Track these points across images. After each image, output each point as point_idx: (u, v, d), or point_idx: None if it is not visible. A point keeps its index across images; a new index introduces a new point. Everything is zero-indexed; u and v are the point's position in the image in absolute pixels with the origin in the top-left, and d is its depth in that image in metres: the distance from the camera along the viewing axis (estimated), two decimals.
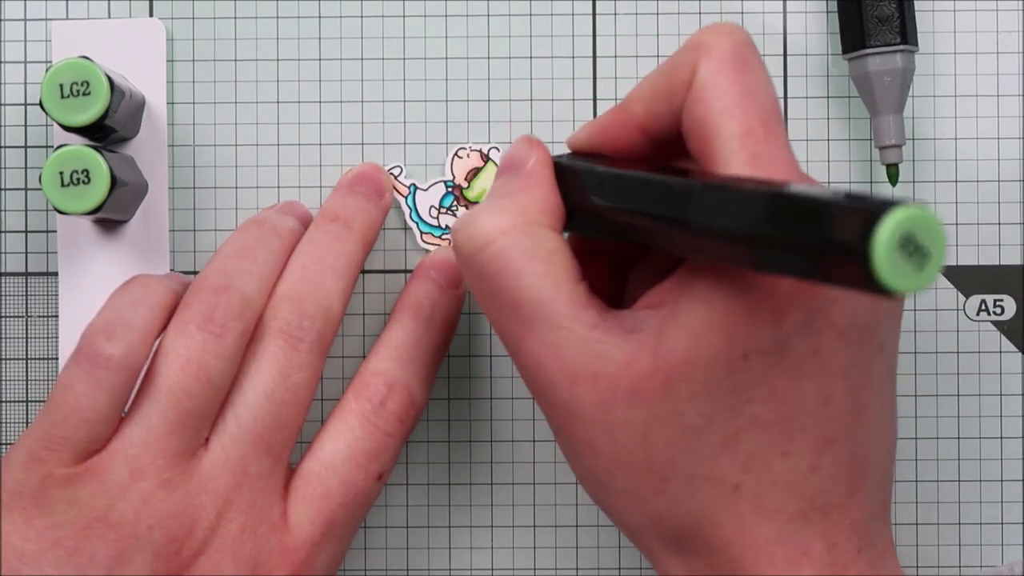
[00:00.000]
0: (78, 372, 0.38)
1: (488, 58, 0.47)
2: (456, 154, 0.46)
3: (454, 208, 0.46)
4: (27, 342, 0.47)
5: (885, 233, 0.29)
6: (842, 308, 0.35)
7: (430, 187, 0.46)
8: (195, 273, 0.47)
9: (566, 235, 0.39)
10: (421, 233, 0.46)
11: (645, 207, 0.36)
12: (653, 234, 0.36)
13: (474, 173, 0.46)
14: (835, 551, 0.36)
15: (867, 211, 0.29)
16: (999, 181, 0.47)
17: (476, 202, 0.46)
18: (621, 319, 0.36)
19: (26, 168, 0.47)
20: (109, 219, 0.46)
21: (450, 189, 0.46)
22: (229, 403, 0.40)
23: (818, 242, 0.30)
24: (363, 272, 0.47)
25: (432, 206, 0.46)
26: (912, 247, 0.29)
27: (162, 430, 0.39)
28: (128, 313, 0.40)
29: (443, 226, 0.46)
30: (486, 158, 0.46)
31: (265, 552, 0.40)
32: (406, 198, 0.46)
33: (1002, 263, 0.47)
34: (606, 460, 0.36)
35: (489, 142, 0.47)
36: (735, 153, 0.35)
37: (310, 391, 0.41)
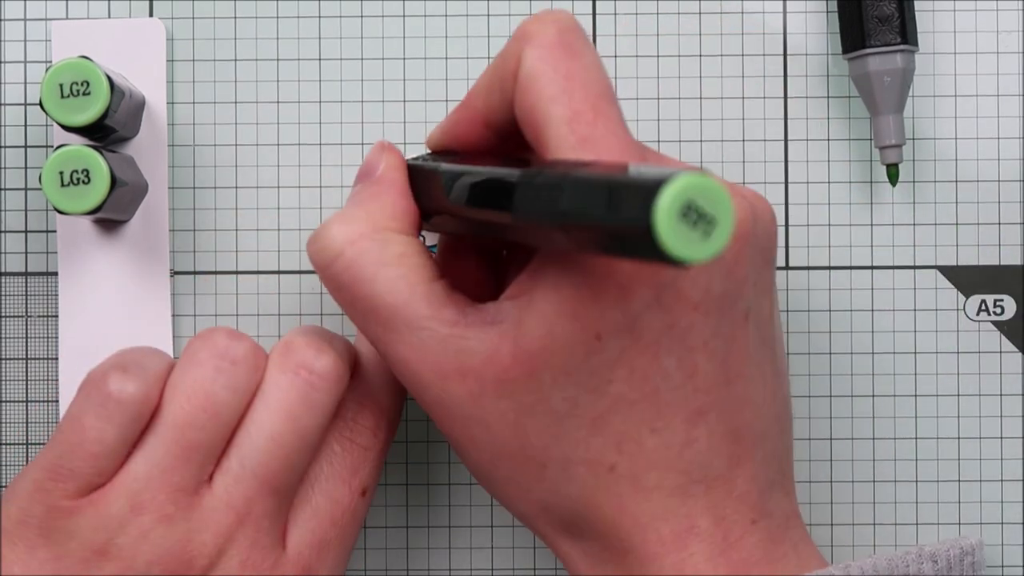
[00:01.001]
0: (88, 405, 0.38)
1: (488, 58, 0.47)
2: None
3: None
4: (27, 342, 0.47)
5: (664, 202, 0.29)
6: (692, 280, 0.35)
7: None
8: (195, 273, 0.47)
9: (430, 238, 0.39)
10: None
11: (480, 199, 0.36)
12: (497, 227, 0.37)
13: None
14: (724, 524, 0.37)
15: (647, 184, 0.29)
16: (999, 181, 0.47)
17: None
18: (482, 313, 0.37)
19: (26, 168, 0.47)
20: (109, 219, 0.46)
21: None
22: (235, 442, 0.39)
23: (612, 221, 0.31)
24: None
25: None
26: (696, 215, 0.29)
27: (165, 464, 0.38)
28: (142, 357, 0.40)
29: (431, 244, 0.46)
30: None
31: None
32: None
33: (1002, 263, 0.47)
34: (486, 452, 0.37)
35: None
36: (564, 138, 0.35)
37: (320, 434, 0.40)
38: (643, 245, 0.30)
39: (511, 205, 0.34)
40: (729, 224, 0.30)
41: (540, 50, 0.36)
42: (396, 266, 0.37)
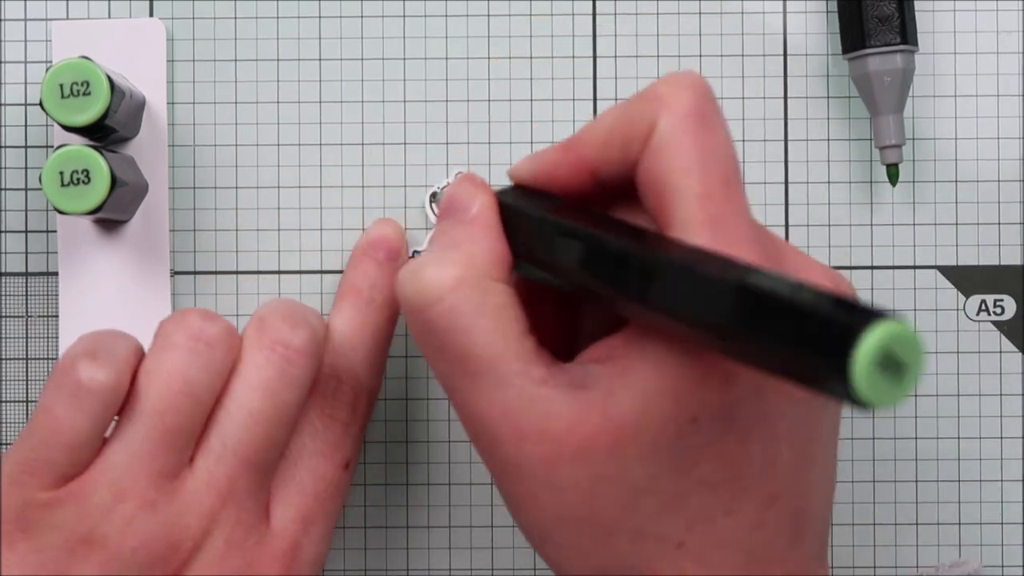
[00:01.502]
0: (59, 395, 0.38)
1: (488, 58, 0.47)
2: (431, 202, 0.46)
3: None
4: (27, 342, 0.47)
5: (866, 351, 0.28)
6: None
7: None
8: (195, 273, 0.47)
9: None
10: None
11: (598, 272, 0.35)
12: (605, 297, 0.35)
13: None
14: None
15: (848, 324, 0.28)
16: (999, 181, 0.47)
17: None
18: (570, 374, 0.36)
19: (26, 168, 0.47)
20: (109, 219, 0.46)
21: None
22: (215, 422, 0.39)
23: (792, 346, 0.30)
24: None
25: None
26: (891, 363, 0.28)
27: (145, 451, 0.38)
28: (110, 342, 0.39)
29: None
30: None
31: (253, 564, 0.39)
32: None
33: (1002, 263, 0.47)
34: (549, 514, 0.36)
35: (466, 163, 0.47)
36: (693, 215, 0.34)
37: (297, 410, 0.40)
38: (824, 379, 0.29)
39: (647, 289, 0.33)
40: (919, 369, 0.29)
41: (677, 119, 0.35)
42: (495, 318, 0.36)
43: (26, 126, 0.47)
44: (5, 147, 0.47)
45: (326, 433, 0.41)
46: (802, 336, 0.29)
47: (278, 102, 0.47)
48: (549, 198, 0.38)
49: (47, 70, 0.42)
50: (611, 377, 0.35)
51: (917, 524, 0.47)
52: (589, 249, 0.35)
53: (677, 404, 0.34)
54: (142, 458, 0.38)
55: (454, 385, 0.37)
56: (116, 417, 0.39)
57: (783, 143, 0.47)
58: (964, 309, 0.47)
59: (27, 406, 0.47)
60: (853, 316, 0.29)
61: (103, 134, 0.44)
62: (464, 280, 0.36)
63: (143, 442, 0.38)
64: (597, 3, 0.47)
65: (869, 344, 0.28)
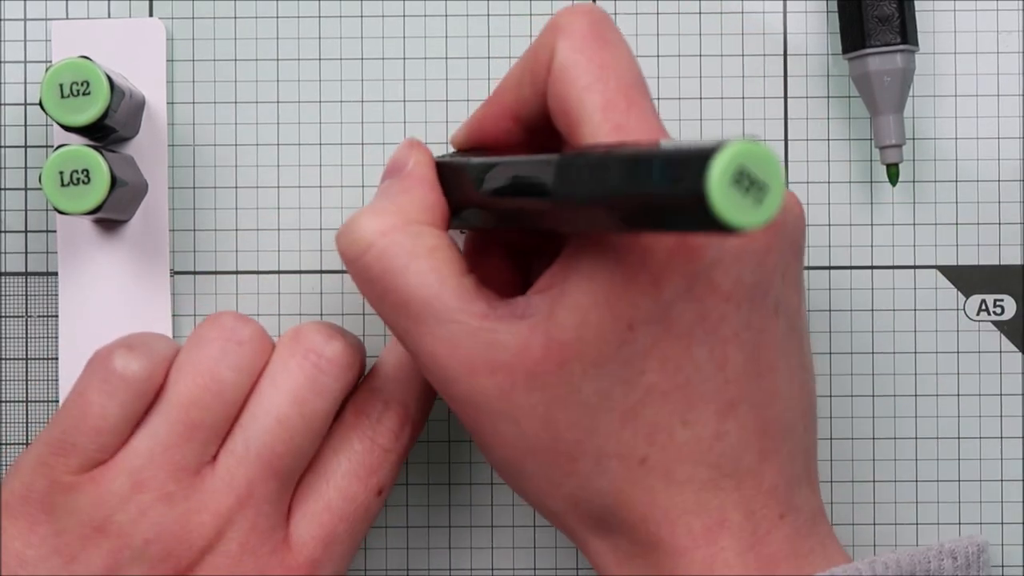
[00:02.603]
0: (93, 381, 0.39)
1: (488, 58, 0.47)
2: None
3: None
4: (27, 342, 0.47)
5: (717, 168, 0.29)
6: (724, 270, 0.35)
7: None
8: (195, 273, 0.47)
9: (460, 233, 0.39)
10: None
11: (515, 188, 0.36)
12: (531, 216, 0.37)
13: None
14: (754, 518, 0.37)
15: (700, 151, 0.30)
16: (999, 181, 0.47)
17: None
18: (512, 306, 0.36)
19: (26, 168, 0.47)
20: (109, 219, 0.46)
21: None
22: (241, 423, 0.39)
23: (663, 192, 0.31)
24: None
25: None
26: (748, 181, 0.29)
27: (168, 442, 0.39)
28: (149, 339, 0.40)
29: None
30: None
31: (265, 572, 0.39)
32: None
33: (1002, 263, 0.47)
34: (514, 447, 0.37)
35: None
36: (598, 126, 0.36)
37: (327, 421, 0.40)
38: (695, 213, 0.30)
39: (550, 188, 0.34)
40: (780, 191, 0.30)
41: (573, 40, 0.37)
42: (427, 259, 0.37)
43: (26, 126, 0.47)
44: (5, 147, 0.47)
45: (364, 456, 0.41)
46: (665, 177, 0.30)
47: (278, 102, 0.47)
48: (483, 151, 0.40)
49: (47, 70, 0.42)
50: (550, 301, 0.36)
51: (917, 524, 0.47)
52: (503, 171, 0.37)
53: (611, 313, 0.35)
54: (164, 449, 0.39)
55: (401, 330, 0.38)
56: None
57: (783, 143, 0.47)
58: (964, 309, 0.47)
59: (27, 406, 0.47)
60: (705, 145, 0.30)
61: (103, 134, 0.44)
62: (394, 226, 0.38)
63: (167, 433, 0.39)
64: (597, 3, 0.47)
65: (721, 161, 0.29)
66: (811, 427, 0.39)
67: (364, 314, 0.47)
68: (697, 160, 0.29)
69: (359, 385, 0.42)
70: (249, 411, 0.39)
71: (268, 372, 0.40)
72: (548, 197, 0.35)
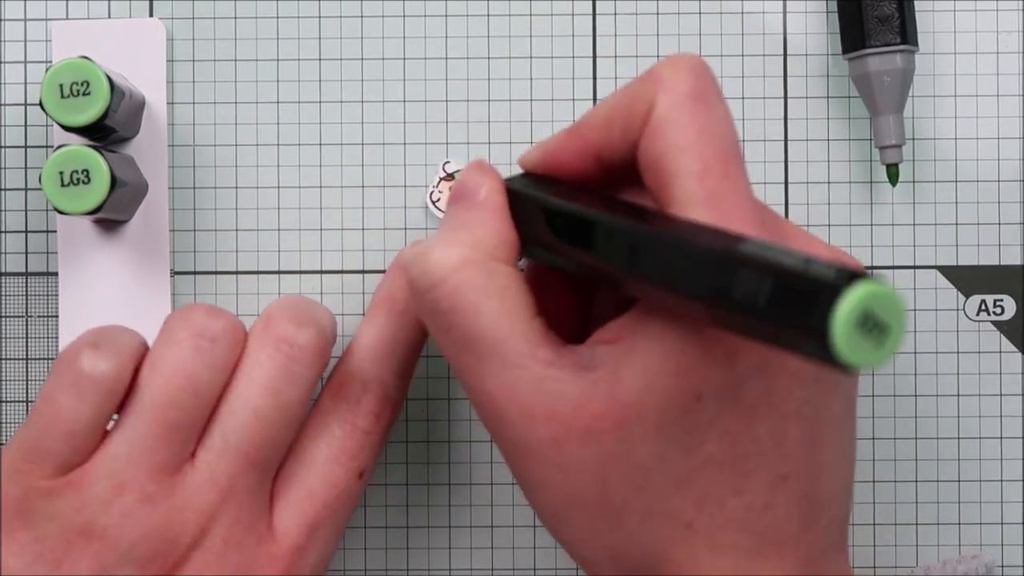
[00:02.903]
0: (62, 384, 0.38)
1: (488, 58, 0.47)
2: (433, 203, 0.46)
3: None
4: (27, 342, 0.47)
5: (844, 311, 0.28)
6: None
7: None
8: (195, 273, 0.47)
9: (522, 263, 0.38)
10: None
11: (595, 248, 0.35)
12: (604, 273, 0.36)
13: None
14: None
15: (826, 285, 0.28)
16: (999, 181, 0.47)
17: None
18: (577, 355, 0.36)
19: (26, 168, 0.47)
20: (109, 219, 0.46)
21: None
22: (216, 418, 0.39)
23: (774, 311, 0.30)
24: (364, 273, 0.47)
25: None
26: (872, 323, 0.28)
27: (146, 444, 0.38)
28: (115, 334, 0.39)
29: None
30: (450, 176, 0.46)
31: (252, 564, 0.39)
32: None
33: (1002, 263, 0.47)
34: (560, 496, 0.36)
35: (447, 158, 0.47)
36: (692, 192, 0.35)
37: (302, 408, 0.40)
38: (806, 343, 0.29)
39: (645, 265, 0.33)
40: (901, 331, 0.29)
41: (675, 97, 0.35)
42: (499, 299, 0.36)
43: (26, 126, 0.47)
44: (5, 147, 0.47)
45: (345, 441, 0.41)
46: (782, 300, 0.29)
47: (278, 102, 0.47)
48: (556, 183, 0.39)
49: (47, 70, 0.42)
50: (617, 357, 0.35)
51: (917, 524, 0.47)
52: (586, 226, 0.36)
53: (680, 381, 0.34)
54: (143, 451, 0.38)
55: (462, 366, 0.37)
56: (116, 416, 0.39)
57: (783, 143, 0.47)
58: (964, 309, 0.47)
59: (27, 406, 0.47)
60: (833, 275, 0.29)
61: (103, 134, 0.44)
62: (469, 260, 0.37)
63: (144, 436, 0.38)
64: (597, 3, 0.47)
65: (849, 302, 0.28)
66: (850, 495, 0.38)
67: (363, 314, 0.47)
68: (822, 292, 0.28)
69: (335, 367, 0.42)
70: (225, 406, 0.39)
71: (242, 366, 0.39)
72: (630, 269, 0.34)
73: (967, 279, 0.47)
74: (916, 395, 0.47)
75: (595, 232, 0.35)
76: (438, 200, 0.46)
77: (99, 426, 0.38)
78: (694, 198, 0.34)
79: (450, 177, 0.46)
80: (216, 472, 0.39)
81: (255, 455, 0.39)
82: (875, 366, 0.29)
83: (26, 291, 0.47)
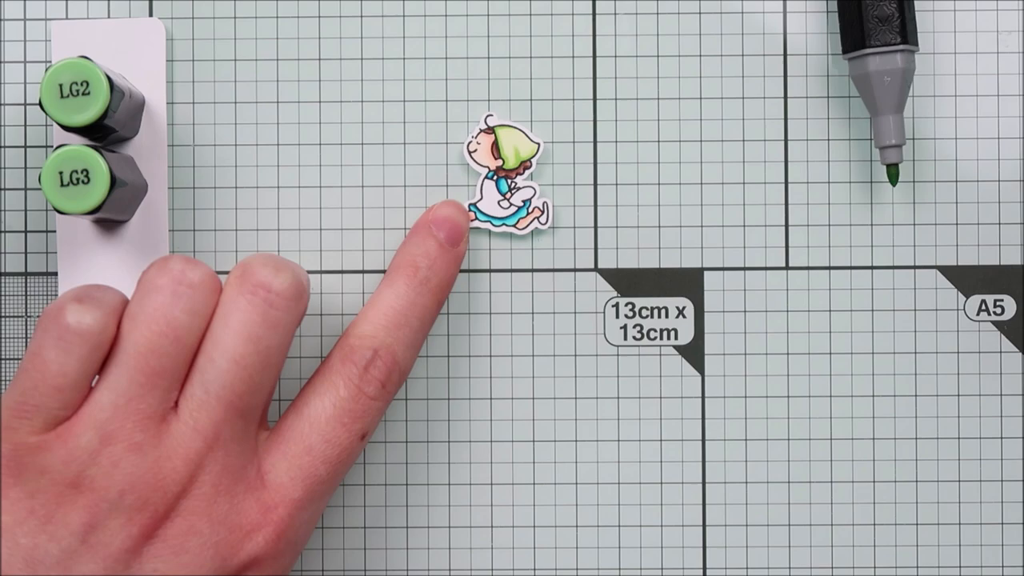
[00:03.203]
0: (47, 339, 0.38)
1: (488, 58, 0.47)
2: (470, 153, 0.46)
3: (514, 187, 0.46)
4: (27, 342, 0.47)
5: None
6: None
7: (482, 192, 0.46)
8: None
9: None
10: (494, 228, 0.46)
11: None
12: None
13: (495, 148, 0.46)
14: None
15: None
16: (999, 181, 0.47)
17: (523, 167, 0.46)
18: None
19: (26, 168, 0.47)
20: (109, 219, 0.46)
21: (495, 177, 0.46)
22: (197, 367, 0.40)
23: None
24: (364, 273, 0.47)
25: (497, 201, 0.46)
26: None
27: (131, 393, 0.39)
28: (97, 291, 0.40)
29: (520, 205, 0.46)
30: (490, 129, 0.46)
31: (243, 512, 0.40)
32: (476, 218, 0.46)
33: (1002, 263, 0.47)
34: None
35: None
36: None
37: (282, 354, 0.40)
38: None
39: None
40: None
41: None
42: None
43: (25, 126, 0.47)
44: (5, 147, 0.47)
45: (350, 403, 0.41)
46: None
47: (278, 102, 0.47)
48: None
49: (46, 70, 0.42)
50: None
51: (917, 524, 0.47)
52: None
53: None
54: (128, 400, 0.39)
55: None
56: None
57: (783, 143, 0.47)
58: (964, 309, 0.47)
59: None
60: None
61: (102, 134, 0.44)
62: None
63: (128, 384, 0.39)
64: (597, 3, 0.47)
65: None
66: None
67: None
68: None
69: (348, 326, 0.43)
70: (205, 354, 0.40)
71: (219, 312, 0.40)
72: None
73: (967, 279, 0.47)
74: (916, 395, 0.47)
75: None
76: (475, 151, 0.46)
77: (86, 379, 0.39)
78: None
79: (490, 131, 0.46)
80: (199, 420, 0.39)
81: (238, 402, 0.40)
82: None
83: (26, 291, 0.47)
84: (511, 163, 0.46)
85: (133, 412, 0.39)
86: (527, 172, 0.46)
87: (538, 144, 0.46)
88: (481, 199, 0.46)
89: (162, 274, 0.40)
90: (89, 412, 0.39)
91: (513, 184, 0.46)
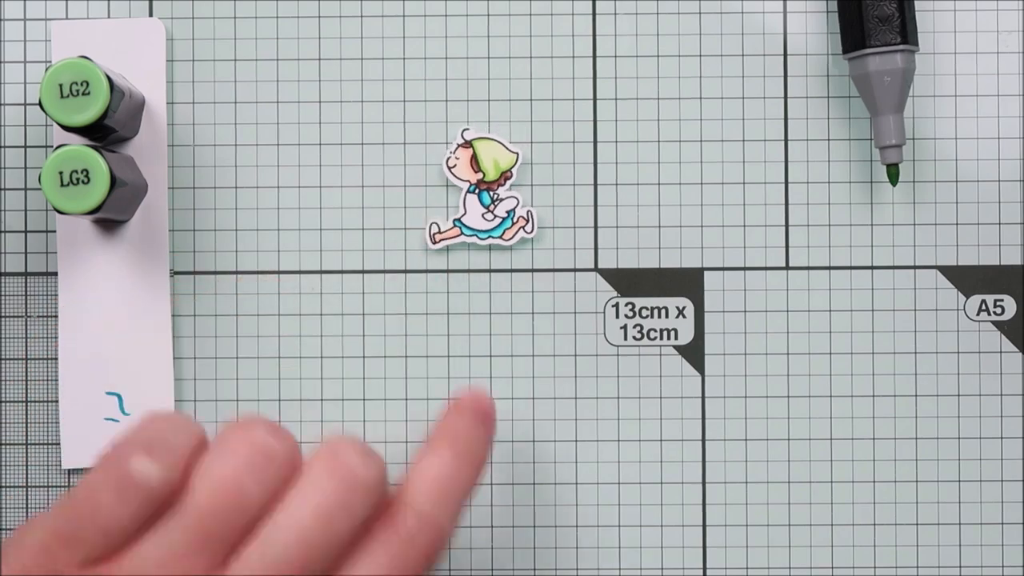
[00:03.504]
0: (108, 482, 0.37)
1: (488, 58, 0.47)
2: (449, 169, 0.46)
3: (497, 199, 0.46)
4: (27, 342, 0.47)
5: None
6: None
7: (465, 207, 0.46)
8: (195, 273, 0.47)
9: None
10: (480, 240, 0.46)
11: None
12: None
13: (475, 161, 0.46)
14: None
15: None
16: (999, 181, 0.47)
17: (504, 177, 0.46)
18: None
19: (26, 168, 0.47)
20: (109, 219, 0.46)
21: (476, 191, 0.46)
22: (261, 533, 0.38)
23: None
24: (364, 272, 0.47)
25: (481, 214, 0.46)
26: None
27: (180, 552, 0.37)
28: (170, 434, 0.38)
29: (503, 216, 0.46)
30: (467, 143, 0.46)
31: None
32: (462, 233, 0.46)
33: (1002, 263, 0.47)
34: None
35: (447, 153, 0.47)
36: None
37: (347, 544, 0.38)
38: None
39: None
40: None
41: None
42: None
43: (25, 126, 0.47)
44: (5, 147, 0.47)
45: (389, 571, 0.39)
46: None
47: (278, 102, 0.47)
48: None
49: (47, 70, 0.42)
50: None
51: (917, 524, 0.47)
52: None
53: None
54: (176, 558, 0.37)
55: None
56: None
57: (783, 143, 0.47)
58: (964, 309, 0.47)
59: (26, 406, 0.47)
60: None
61: (102, 134, 0.44)
62: None
63: (179, 543, 0.37)
64: (597, 3, 0.47)
65: None
66: None
67: (363, 314, 0.47)
68: None
69: (391, 492, 0.40)
70: (271, 523, 0.38)
71: (299, 486, 0.38)
72: None
73: (967, 279, 0.47)
74: (916, 395, 0.47)
75: None
76: (454, 167, 0.46)
77: (138, 527, 0.37)
78: None
79: (468, 144, 0.46)
80: None
81: None
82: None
83: (26, 291, 0.47)
84: (491, 175, 0.46)
85: (177, 569, 0.37)
86: (508, 183, 0.46)
87: (516, 154, 0.46)
88: (465, 213, 0.46)
89: (244, 438, 0.38)
90: (132, 563, 0.37)
91: (495, 195, 0.46)
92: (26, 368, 0.47)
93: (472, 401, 0.43)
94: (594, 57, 0.47)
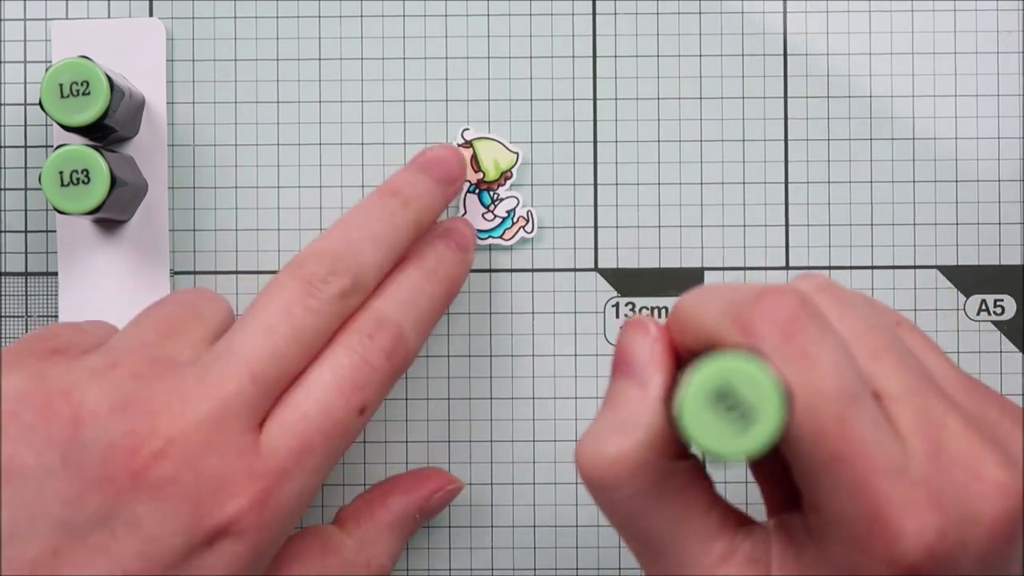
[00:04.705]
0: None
1: (488, 58, 0.47)
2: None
3: (497, 199, 0.46)
4: None
5: (695, 382, 0.26)
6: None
7: (465, 207, 0.46)
8: (195, 273, 0.47)
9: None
10: (480, 241, 0.46)
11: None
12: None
13: (475, 161, 0.46)
14: None
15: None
16: (999, 181, 0.47)
17: (504, 177, 0.46)
18: (750, 549, 0.36)
19: (26, 168, 0.47)
20: (109, 219, 0.46)
21: (476, 191, 0.46)
22: (230, 330, 0.40)
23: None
24: None
25: (481, 214, 0.46)
26: (732, 402, 0.27)
27: (148, 339, 0.40)
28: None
29: (503, 216, 0.46)
30: (467, 143, 0.46)
31: (230, 473, 0.38)
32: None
33: (1002, 263, 0.47)
34: None
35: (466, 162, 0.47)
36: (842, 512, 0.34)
37: (319, 339, 0.40)
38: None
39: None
40: (773, 419, 0.27)
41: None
42: (675, 503, 0.36)
43: (26, 126, 0.47)
44: (5, 147, 0.47)
45: (350, 371, 0.40)
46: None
47: (278, 102, 0.47)
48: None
49: (47, 70, 0.42)
50: (784, 558, 0.35)
51: None
52: None
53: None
54: (143, 344, 0.40)
55: (637, 553, 0.37)
56: None
57: (783, 143, 0.47)
58: (964, 309, 0.47)
59: None
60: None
61: (103, 134, 0.44)
62: (646, 465, 0.36)
63: (149, 330, 0.40)
64: (597, 3, 0.47)
65: (702, 373, 0.26)
66: None
67: None
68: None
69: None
70: (240, 320, 0.40)
71: (265, 289, 0.40)
72: None
73: (967, 279, 0.47)
74: None
75: None
76: None
77: (108, 333, 0.41)
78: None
79: (468, 144, 0.46)
80: (211, 372, 0.38)
81: (254, 365, 0.38)
82: (740, 454, 0.27)
83: (26, 291, 0.47)
84: (492, 175, 0.46)
85: (146, 353, 0.39)
86: (508, 183, 0.46)
87: (516, 154, 0.46)
88: (465, 213, 0.46)
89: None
90: (104, 347, 0.40)
91: (495, 195, 0.46)
92: None
93: (451, 232, 0.44)
94: (594, 57, 0.47)
